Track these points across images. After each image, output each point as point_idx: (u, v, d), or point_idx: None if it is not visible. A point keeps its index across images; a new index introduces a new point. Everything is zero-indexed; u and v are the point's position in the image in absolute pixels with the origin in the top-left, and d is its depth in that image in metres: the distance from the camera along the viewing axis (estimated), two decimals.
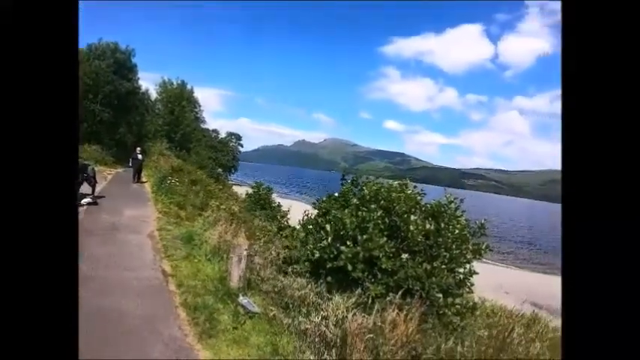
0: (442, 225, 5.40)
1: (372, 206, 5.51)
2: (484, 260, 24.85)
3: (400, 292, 4.85)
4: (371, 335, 4.04)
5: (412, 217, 5.29)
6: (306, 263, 5.70)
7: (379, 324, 4.20)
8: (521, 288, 18.90)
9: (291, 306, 4.97)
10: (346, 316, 4.42)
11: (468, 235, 5.65)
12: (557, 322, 12.95)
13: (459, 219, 5.69)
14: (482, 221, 6.02)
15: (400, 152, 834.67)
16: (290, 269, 5.90)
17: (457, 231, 5.45)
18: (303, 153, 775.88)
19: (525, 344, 4.91)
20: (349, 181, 6.76)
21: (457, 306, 5.04)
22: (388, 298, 4.69)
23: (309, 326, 4.50)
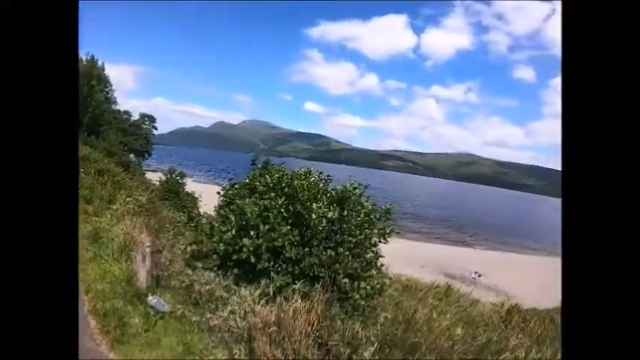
0: (346, 212, 5.49)
1: (272, 194, 5.45)
2: (403, 237, 26.25)
3: (305, 280, 4.84)
4: (274, 328, 4.02)
5: (314, 205, 5.31)
6: (214, 256, 5.53)
7: (282, 315, 4.18)
8: (437, 261, 20.22)
9: (200, 302, 4.84)
10: (254, 309, 4.38)
11: (374, 219, 5.79)
12: (467, 289, 14.15)
13: (364, 204, 5.81)
14: (389, 205, 6.17)
15: (320, 134, 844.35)
16: (200, 263, 5.71)
17: (362, 216, 5.58)
18: (221, 135, 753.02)
19: (429, 321, 5.20)
20: (259, 166, 6.58)
21: (365, 289, 5.17)
22: (294, 287, 4.70)
23: (217, 322, 4.42)
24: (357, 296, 5.09)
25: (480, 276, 18.76)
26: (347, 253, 5.20)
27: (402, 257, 17.80)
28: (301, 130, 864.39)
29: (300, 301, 4.31)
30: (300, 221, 5.30)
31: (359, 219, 5.52)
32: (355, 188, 5.84)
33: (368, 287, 5.25)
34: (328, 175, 6.15)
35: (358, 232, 5.44)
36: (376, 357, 3.79)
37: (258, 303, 4.52)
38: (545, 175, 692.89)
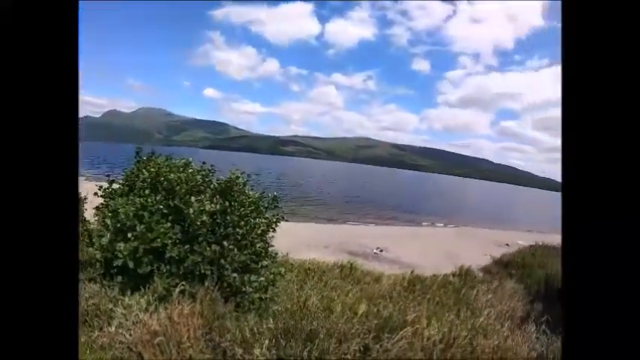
0: (229, 203, 5.10)
1: (147, 191, 4.88)
2: (307, 221, 26.40)
3: (192, 280, 4.46)
4: (161, 338, 3.58)
5: (192, 199, 4.84)
6: (97, 265, 4.80)
7: (168, 322, 3.74)
8: (340, 241, 20.59)
9: (87, 319, 4.14)
10: (141, 319, 3.87)
11: (261, 208, 5.51)
12: (370, 266, 14.58)
13: (249, 193, 5.50)
14: (275, 194, 5.95)
15: (219, 121, 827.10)
16: (82, 275, 4.91)
17: (246, 206, 5.26)
18: (114, 125, 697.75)
19: (330, 303, 5.04)
20: (144, 158, 5.84)
21: (256, 282, 4.88)
22: (180, 289, 4.24)
23: (105, 339, 3.80)
24: (250, 290, 4.76)
25: (381, 251, 19.48)
26: (232, 246, 4.82)
27: (307, 241, 17.89)
28: (199, 118, 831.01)
29: (186, 303, 4.00)
30: (181, 217, 4.77)
31: (242, 209, 5.14)
32: (238, 177, 5.43)
33: (261, 279, 4.94)
34: (212, 165, 5.65)
35: (243, 222, 5.08)
36: (272, 352, 3.53)
37: (146, 311, 3.98)
38: (437, 155, 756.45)
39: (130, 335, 3.78)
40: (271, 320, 4.00)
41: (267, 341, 3.59)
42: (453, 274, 14.96)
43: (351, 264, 12.77)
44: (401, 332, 4.09)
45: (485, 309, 7.10)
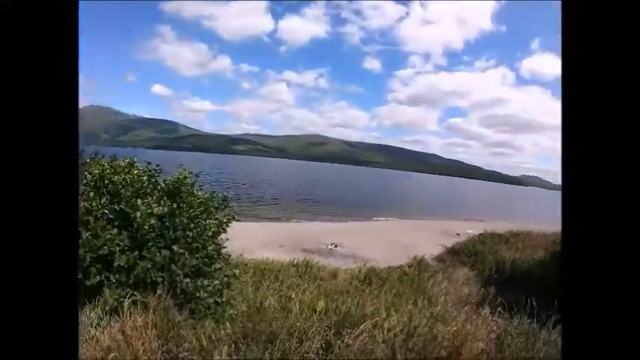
0: (178, 204, 4.85)
1: (91, 194, 4.55)
2: (260, 220, 26.07)
3: (143, 289, 4.20)
4: (114, 354, 3.33)
5: (139, 202, 4.56)
6: None
7: (120, 336, 3.50)
8: (295, 238, 20.48)
9: None
10: (93, 335, 3.60)
11: (211, 208, 5.30)
12: (325, 262, 14.59)
13: (198, 194, 5.28)
14: (225, 193, 5.77)
15: (167, 120, 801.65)
16: None
17: (195, 207, 5.04)
18: None
19: (288, 302, 4.94)
20: (88, 160, 5.45)
21: (210, 286, 4.69)
22: (131, 300, 3.99)
23: None
24: (205, 295, 4.56)
25: (336, 247, 19.59)
26: (183, 250, 4.59)
27: (261, 241, 17.67)
28: (147, 116, 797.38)
29: (139, 314, 3.78)
30: (128, 222, 4.48)
31: (192, 211, 4.92)
32: (186, 177, 5.20)
33: (216, 282, 4.76)
34: (157, 165, 5.36)
35: (193, 225, 4.86)
36: (232, 357, 3.43)
37: (97, 326, 3.70)
38: (388, 151, 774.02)
39: (82, 354, 3.52)
40: (229, 325, 3.85)
41: (226, 347, 3.46)
42: (408, 265, 15.31)
43: (307, 261, 12.73)
44: (361, 326, 4.07)
45: (442, 296, 7.28)
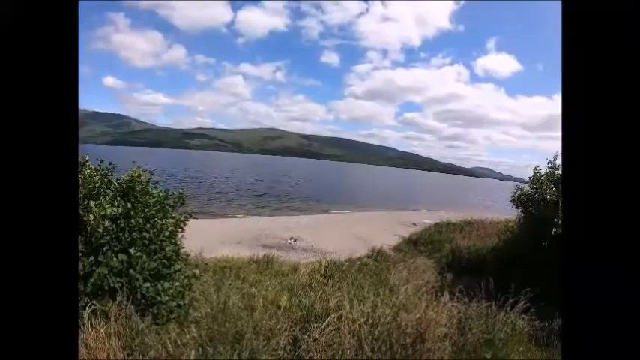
0: (132, 204, 4.66)
1: None
2: (217, 217, 25.59)
3: (102, 297, 4.03)
4: None
5: (91, 203, 4.35)
6: None
7: (82, 348, 3.33)
8: (254, 234, 20.26)
9: None
10: None
11: (167, 207, 5.13)
12: (286, 256, 14.53)
13: (153, 192, 5.10)
14: (181, 191, 5.60)
15: (120, 114, 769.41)
16: None
17: (151, 206, 4.86)
18: None
19: (251, 300, 4.89)
20: None
21: (171, 288, 4.55)
22: (91, 309, 3.81)
23: None
24: (166, 298, 4.42)
25: (295, 240, 19.52)
26: (140, 253, 4.42)
27: (219, 238, 17.37)
28: (98, 110, 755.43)
29: (100, 325, 3.66)
30: (81, 226, 4.26)
31: (147, 210, 4.75)
32: (140, 175, 4.99)
33: (176, 284, 4.62)
34: (110, 163, 5.11)
35: (150, 225, 4.68)
36: None
37: None
38: (345, 145, 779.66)
39: None
40: (193, 328, 3.76)
41: (193, 352, 3.38)
42: (368, 256, 15.55)
43: (267, 257, 12.67)
44: (326, 320, 4.10)
45: (403, 285, 7.42)
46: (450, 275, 11.13)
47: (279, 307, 4.83)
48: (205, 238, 15.03)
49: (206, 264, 9.78)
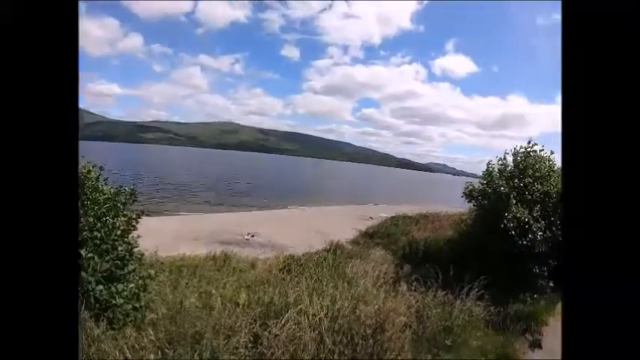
0: (82, 202, 4.43)
1: None
2: (173, 214, 24.86)
3: None
4: None
5: None
6: None
7: None
8: (210, 230, 19.84)
9: None
10: None
11: (118, 205, 4.92)
12: (244, 252, 14.36)
13: (104, 189, 4.88)
14: (132, 187, 5.40)
15: None
16: None
17: (102, 204, 4.64)
18: None
19: (206, 307, 4.80)
20: None
21: (127, 290, 4.37)
22: None
23: None
24: (121, 301, 4.25)
25: (252, 236, 19.29)
26: (92, 254, 4.22)
27: (174, 236, 16.87)
28: None
29: None
30: None
31: (97, 208, 4.55)
32: (90, 171, 4.77)
33: (131, 286, 4.46)
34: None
35: (100, 224, 4.48)
36: None
37: None
38: (302, 139, 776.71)
39: None
40: (151, 331, 3.66)
41: (152, 355, 3.29)
42: (326, 250, 15.62)
43: (225, 253, 12.46)
44: (286, 315, 4.11)
45: (361, 278, 7.56)
46: (407, 267, 11.41)
47: (238, 304, 4.78)
48: (160, 236, 14.56)
49: (162, 263, 9.49)
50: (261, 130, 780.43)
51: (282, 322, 3.93)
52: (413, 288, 5.84)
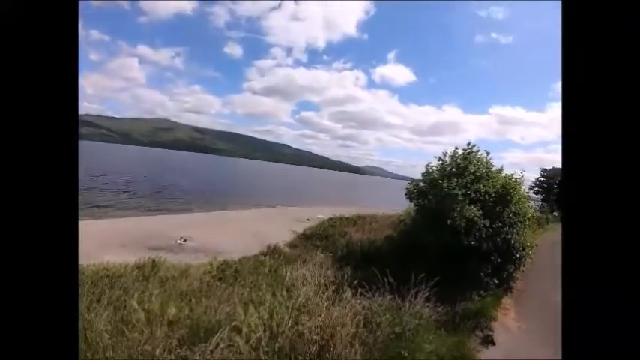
0: None
1: None
2: (98, 218, 23.08)
3: None
4: None
5: None
6: None
7: None
8: (139, 235, 18.60)
9: None
10: None
11: None
12: (176, 258, 13.49)
13: None
14: None
15: None
16: None
17: None
18: None
19: (128, 325, 4.23)
20: None
21: None
22: None
23: None
24: None
25: (185, 240, 18.32)
26: None
27: (99, 242, 15.52)
28: None
29: None
30: None
31: None
32: None
33: None
34: None
35: None
36: None
37: None
38: (240, 140, 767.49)
39: None
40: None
41: None
42: (263, 254, 15.19)
43: (154, 260, 11.52)
44: (217, 335, 3.68)
45: (302, 285, 7.16)
46: (348, 269, 11.34)
47: (164, 318, 4.26)
48: (84, 243, 13.23)
49: (83, 274, 8.54)
50: (198, 129, 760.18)
51: (213, 344, 3.46)
52: (358, 293, 5.59)
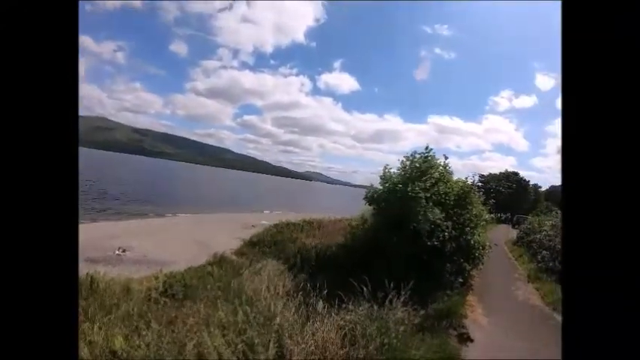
0: None
1: None
2: None
3: None
4: None
5: None
6: None
7: None
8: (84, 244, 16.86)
9: None
10: None
11: None
12: (114, 271, 12.02)
13: None
14: None
15: None
16: None
17: None
18: None
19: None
20: None
21: None
22: None
23: None
24: None
25: (124, 251, 16.81)
26: None
27: None
28: None
29: None
30: None
31: None
32: None
33: None
34: None
35: None
36: None
37: None
38: (180, 143, 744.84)
39: None
40: None
41: None
42: (210, 264, 14.35)
43: (91, 276, 9.84)
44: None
45: (264, 299, 6.50)
46: (302, 275, 10.86)
47: (114, 353, 3.58)
48: None
49: None
50: (137, 130, 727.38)
51: None
52: (335, 306, 5.19)
